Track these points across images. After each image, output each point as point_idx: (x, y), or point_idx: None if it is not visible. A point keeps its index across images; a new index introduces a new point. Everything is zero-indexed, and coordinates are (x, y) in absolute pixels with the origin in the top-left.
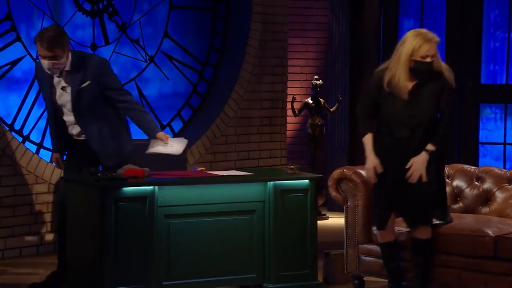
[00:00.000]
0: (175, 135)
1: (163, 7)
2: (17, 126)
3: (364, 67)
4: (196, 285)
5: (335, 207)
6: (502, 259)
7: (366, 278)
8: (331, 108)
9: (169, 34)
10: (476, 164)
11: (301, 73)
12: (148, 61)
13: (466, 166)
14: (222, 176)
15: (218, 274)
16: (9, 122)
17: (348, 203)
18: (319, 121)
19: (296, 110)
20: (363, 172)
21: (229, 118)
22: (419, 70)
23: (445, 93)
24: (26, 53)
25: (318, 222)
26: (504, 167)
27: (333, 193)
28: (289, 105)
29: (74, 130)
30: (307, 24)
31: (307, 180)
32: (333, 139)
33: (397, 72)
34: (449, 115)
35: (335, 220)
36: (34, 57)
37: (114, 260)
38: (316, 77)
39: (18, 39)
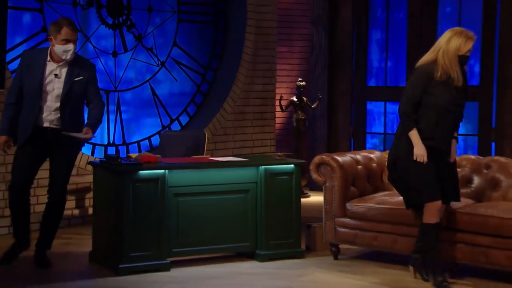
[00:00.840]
0: (183, 127)
1: (172, 21)
2: None
3: (339, 71)
4: (200, 252)
5: (316, 187)
6: (453, 229)
7: (341, 246)
8: (312, 105)
9: (177, 43)
10: None
11: (287, 75)
12: (160, 66)
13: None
14: (222, 161)
15: (218, 243)
16: None
17: (327, 184)
18: (302, 116)
19: (283, 106)
20: (339, 158)
21: (227, 113)
22: (463, 63)
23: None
24: None
25: (302, 200)
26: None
27: (314, 175)
28: (277, 103)
29: (50, 116)
30: (292, 35)
31: (292, 165)
32: (314, 131)
33: (453, 65)
34: None
35: (316, 198)
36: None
37: (132, 231)
38: (300, 79)
39: None
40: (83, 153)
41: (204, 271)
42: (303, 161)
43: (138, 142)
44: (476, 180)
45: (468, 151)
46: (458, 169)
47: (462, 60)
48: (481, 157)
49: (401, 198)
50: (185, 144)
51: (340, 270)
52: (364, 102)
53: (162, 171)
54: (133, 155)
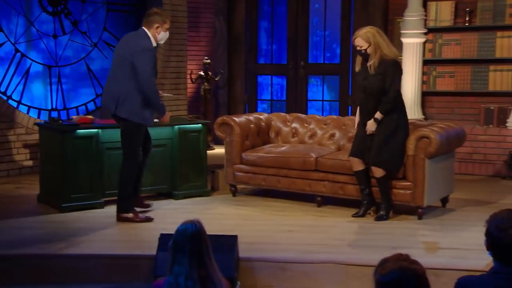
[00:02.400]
0: None
1: (102, 10)
2: (2, 89)
3: (236, 52)
4: None
5: (219, 142)
6: (320, 171)
7: (238, 186)
8: (216, 78)
9: (107, 28)
10: (305, 113)
11: (196, 55)
12: (93, 47)
13: (300, 114)
14: None
15: (143, 186)
16: None
17: (227, 139)
18: (208, 87)
19: (193, 79)
20: (236, 119)
21: None
22: None
23: None
24: (6, 40)
25: (208, 152)
26: (322, 115)
27: (217, 132)
28: (188, 76)
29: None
30: (199, 23)
31: (200, 125)
32: (217, 98)
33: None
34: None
35: (219, 150)
36: (13, 41)
37: (72, 177)
38: (206, 58)
39: (1, 29)
40: (30, 116)
41: None
42: (209, 121)
43: (76, 107)
44: (338, 134)
45: (332, 112)
46: (324, 126)
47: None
48: (341, 117)
49: (282, 148)
50: None
51: (237, 204)
52: (256, 76)
53: (96, 130)
54: (74, 117)
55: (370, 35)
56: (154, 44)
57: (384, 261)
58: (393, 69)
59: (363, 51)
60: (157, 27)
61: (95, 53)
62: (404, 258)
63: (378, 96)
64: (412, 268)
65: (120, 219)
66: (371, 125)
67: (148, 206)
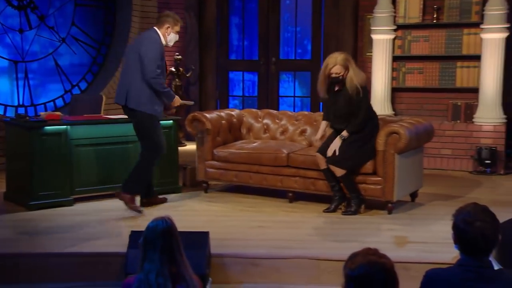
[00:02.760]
0: (82, 92)
1: (70, 5)
2: None
3: (207, 48)
4: (98, 190)
5: (190, 138)
6: (291, 167)
7: (210, 182)
8: (187, 74)
9: (75, 23)
10: (277, 109)
11: (167, 51)
12: (61, 42)
13: (271, 110)
14: (114, 118)
15: (113, 182)
16: None
17: (198, 135)
18: (179, 83)
19: None
20: (208, 115)
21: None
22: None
23: None
24: None
25: (179, 148)
26: (294, 111)
27: (188, 129)
28: None
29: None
30: None
31: (171, 121)
32: (189, 94)
33: None
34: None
35: (191, 147)
36: None
37: (39, 175)
38: (177, 54)
39: None
40: None
41: (102, 205)
42: (180, 117)
43: (44, 103)
44: (309, 130)
45: (303, 108)
46: (296, 122)
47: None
48: (312, 113)
49: (254, 144)
50: (87, 105)
51: (209, 201)
52: (227, 71)
53: (65, 127)
54: (42, 113)
55: (347, 62)
56: (164, 42)
57: (354, 256)
58: (364, 93)
59: (340, 77)
60: (168, 28)
61: (63, 48)
62: (373, 252)
63: (347, 119)
64: (380, 262)
65: (118, 195)
66: (336, 144)
67: (164, 200)
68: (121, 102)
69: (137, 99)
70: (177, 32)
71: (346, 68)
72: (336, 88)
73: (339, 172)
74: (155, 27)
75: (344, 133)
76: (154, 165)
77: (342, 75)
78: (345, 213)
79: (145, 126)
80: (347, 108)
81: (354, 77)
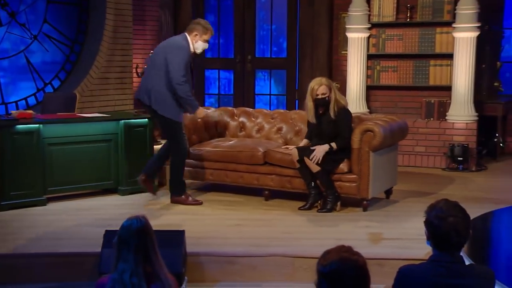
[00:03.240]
0: (55, 90)
1: (42, 2)
2: None
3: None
4: (72, 189)
5: None
6: (268, 164)
7: (185, 181)
8: None
9: (47, 20)
10: (253, 107)
11: (142, 49)
12: (32, 39)
13: (247, 108)
14: (88, 117)
15: (88, 182)
16: None
17: None
18: None
19: (139, 73)
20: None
21: (93, 79)
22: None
23: None
24: None
25: (155, 147)
26: (270, 109)
27: None
28: (134, 70)
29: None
30: (145, 16)
31: (146, 119)
32: None
33: None
34: None
35: None
36: None
37: (11, 174)
38: (152, 51)
39: None
40: None
41: (76, 204)
42: None
43: (16, 102)
44: (285, 128)
45: (279, 106)
46: (272, 120)
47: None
48: (288, 111)
49: (230, 142)
50: (60, 103)
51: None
52: (203, 70)
53: (37, 125)
54: (13, 112)
55: (330, 83)
56: (192, 49)
57: (327, 253)
58: (347, 114)
59: (327, 98)
60: (196, 35)
61: (35, 45)
62: (346, 249)
63: (330, 140)
64: (352, 259)
65: (173, 201)
66: (321, 151)
67: (154, 193)
68: (145, 102)
69: (163, 104)
70: (206, 41)
71: (330, 90)
72: (320, 112)
73: (314, 168)
74: (185, 33)
75: (334, 145)
76: (183, 165)
77: (328, 96)
78: (321, 210)
79: (171, 132)
80: (331, 130)
81: (339, 98)
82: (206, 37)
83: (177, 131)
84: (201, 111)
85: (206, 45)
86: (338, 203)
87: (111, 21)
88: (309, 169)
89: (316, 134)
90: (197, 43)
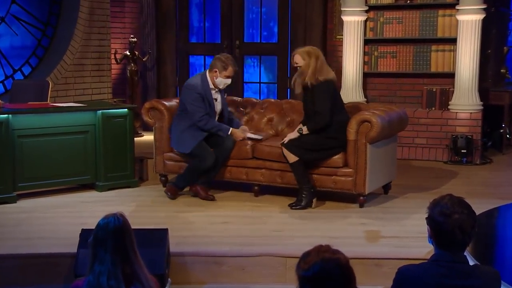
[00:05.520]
0: (26, 77)
1: None
2: None
3: (165, 30)
4: (45, 185)
5: (148, 128)
6: (257, 158)
7: (169, 176)
8: (143, 58)
9: (16, 1)
10: (241, 96)
11: (121, 32)
12: (0, 21)
13: (235, 98)
14: (62, 106)
15: (62, 177)
16: None
17: (156, 125)
18: (135, 68)
19: (117, 59)
20: (166, 103)
21: (67, 65)
22: None
23: None
24: None
25: (136, 138)
26: (259, 98)
27: (145, 118)
28: (112, 56)
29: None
30: None
31: (126, 109)
32: (145, 80)
33: None
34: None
35: (148, 137)
36: None
37: None
38: (131, 36)
39: None
40: None
41: (49, 201)
42: (136, 105)
43: None
44: (276, 118)
45: (269, 95)
46: (262, 110)
47: None
48: (279, 100)
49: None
50: (31, 92)
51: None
52: (187, 56)
53: (6, 115)
54: None
55: (306, 54)
56: (211, 85)
57: (306, 255)
58: (321, 86)
59: (298, 67)
60: (215, 71)
61: (3, 28)
62: (325, 249)
63: (310, 116)
64: (334, 258)
65: (167, 188)
66: (292, 135)
67: (211, 198)
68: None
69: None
70: (227, 77)
71: (305, 59)
72: (301, 87)
73: (291, 158)
74: (206, 70)
75: (304, 129)
76: (197, 174)
77: (300, 66)
78: (294, 207)
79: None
80: (308, 105)
81: (318, 69)
82: (226, 73)
83: (193, 153)
84: (238, 135)
85: (228, 81)
86: (314, 200)
87: (86, 2)
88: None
89: (304, 114)
90: (217, 80)
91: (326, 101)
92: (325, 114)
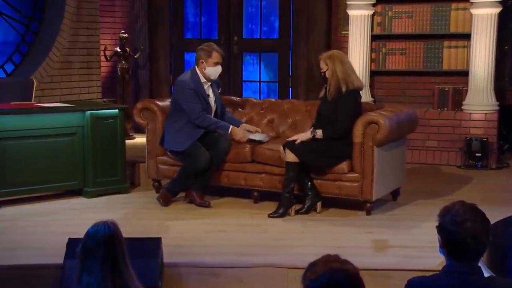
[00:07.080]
0: (8, 75)
1: None
2: None
3: (158, 25)
4: (29, 191)
5: (141, 130)
6: (256, 162)
7: (162, 181)
8: (135, 55)
9: None
10: (240, 95)
11: (111, 28)
12: None
13: (233, 97)
14: (48, 107)
15: (48, 182)
16: None
17: (149, 126)
18: (126, 65)
19: (107, 56)
20: (160, 103)
21: (53, 62)
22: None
23: None
24: None
25: (127, 141)
26: (259, 98)
27: (137, 119)
28: (102, 53)
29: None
30: None
31: (116, 110)
32: (137, 79)
33: None
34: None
35: (140, 140)
36: None
37: None
38: (122, 31)
39: None
40: None
41: (34, 209)
42: (127, 106)
43: None
44: (277, 119)
45: (270, 95)
46: (262, 111)
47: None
48: (280, 100)
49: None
50: (14, 91)
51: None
52: (182, 52)
53: None
54: None
55: (331, 57)
56: (203, 79)
57: (313, 265)
58: (348, 97)
59: (322, 74)
60: (202, 62)
61: None
62: (334, 259)
63: (324, 123)
64: (344, 268)
65: (161, 195)
66: (304, 136)
67: (207, 204)
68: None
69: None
70: (215, 64)
71: (328, 65)
72: (326, 88)
73: (291, 157)
74: (194, 65)
75: (319, 133)
76: (191, 177)
77: (324, 72)
78: (272, 215)
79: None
80: (327, 114)
81: (345, 77)
82: (213, 59)
83: (186, 152)
84: (237, 133)
85: (218, 68)
86: (292, 208)
87: None
88: (304, 168)
89: (317, 115)
90: (207, 70)
91: (351, 112)
92: (347, 124)
